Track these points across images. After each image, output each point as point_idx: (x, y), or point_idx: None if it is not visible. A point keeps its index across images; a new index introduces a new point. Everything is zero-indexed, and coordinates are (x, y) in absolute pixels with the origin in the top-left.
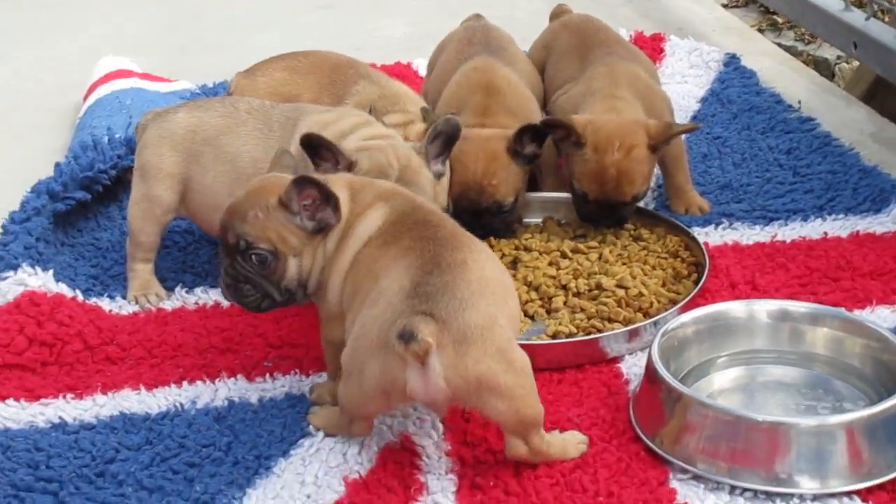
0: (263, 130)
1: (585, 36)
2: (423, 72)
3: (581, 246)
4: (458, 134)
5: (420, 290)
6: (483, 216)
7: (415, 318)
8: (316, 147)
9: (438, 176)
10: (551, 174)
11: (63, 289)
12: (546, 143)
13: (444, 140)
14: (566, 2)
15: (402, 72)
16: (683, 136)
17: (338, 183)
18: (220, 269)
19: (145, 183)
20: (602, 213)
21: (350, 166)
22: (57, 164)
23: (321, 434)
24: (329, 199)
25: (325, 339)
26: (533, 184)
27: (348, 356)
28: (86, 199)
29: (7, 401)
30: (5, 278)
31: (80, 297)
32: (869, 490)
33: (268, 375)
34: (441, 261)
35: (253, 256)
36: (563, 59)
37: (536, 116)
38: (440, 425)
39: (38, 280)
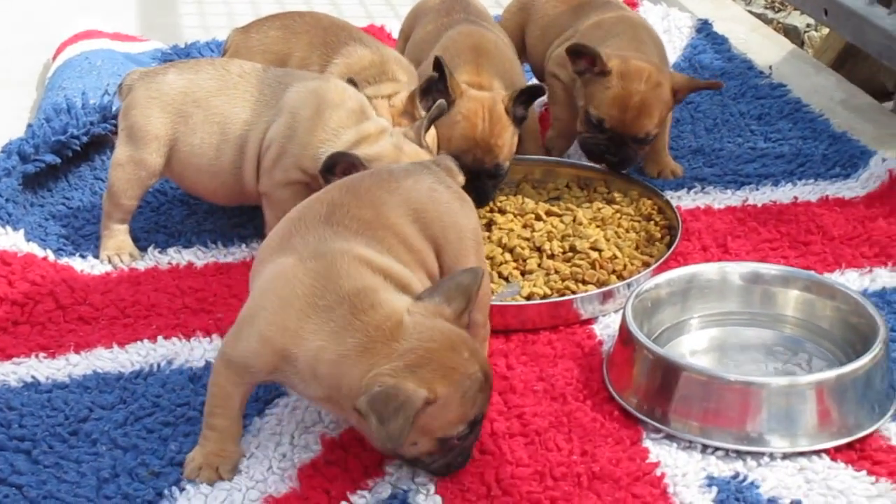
0: (253, 93)
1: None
2: (396, 34)
3: (555, 208)
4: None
5: None
6: (480, 178)
7: None
8: (335, 164)
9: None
10: (531, 139)
11: (34, 248)
12: (529, 109)
13: (430, 120)
14: None
15: (374, 34)
16: None
17: None
18: None
19: (132, 145)
20: (611, 147)
21: None
22: (29, 126)
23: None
24: None
25: None
26: None
27: None
28: (56, 162)
29: None
30: None
31: (52, 257)
32: (837, 449)
33: None
34: None
35: None
36: (552, 16)
37: (521, 80)
38: None
39: (8, 240)
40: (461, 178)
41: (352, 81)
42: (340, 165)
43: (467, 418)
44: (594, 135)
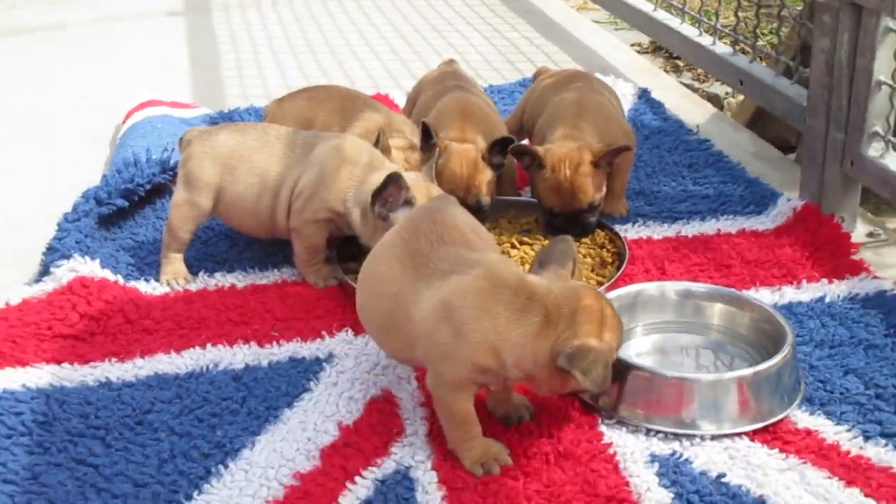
0: (287, 152)
1: (563, 78)
2: (398, 101)
3: (526, 238)
4: None
5: None
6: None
7: None
8: (388, 184)
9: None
10: (508, 183)
11: (107, 274)
12: (508, 158)
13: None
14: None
15: (381, 100)
16: (633, 154)
17: None
18: None
19: (188, 189)
20: (568, 223)
21: (409, 200)
22: (103, 176)
23: (319, 389)
24: None
25: None
26: None
27: None
28: (125, 205)
29: (63, 364)
30: (60, 266)
31: (122, 281)
32: (755, 432)
33: (275, 343)
34: None
35: None
36: (541, 95)
37: (500, 135)
38: (415, 381)
39: (87, 267)
40: None
41: (380, 132)
42: (390, 188)
43: (622, 342)
44: (550, 219)
